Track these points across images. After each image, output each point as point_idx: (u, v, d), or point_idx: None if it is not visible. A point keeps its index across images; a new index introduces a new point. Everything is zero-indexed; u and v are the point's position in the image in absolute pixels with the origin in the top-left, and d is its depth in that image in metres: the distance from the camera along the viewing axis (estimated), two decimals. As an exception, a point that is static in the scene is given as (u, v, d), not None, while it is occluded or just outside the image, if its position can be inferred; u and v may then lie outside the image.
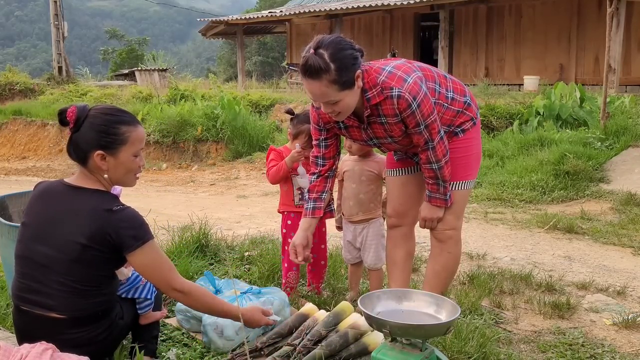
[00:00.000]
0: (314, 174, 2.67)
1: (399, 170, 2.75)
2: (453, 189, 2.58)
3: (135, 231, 2.00)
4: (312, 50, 2.20)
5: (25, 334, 2.01)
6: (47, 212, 2.05)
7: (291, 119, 3.11)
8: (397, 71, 2.32)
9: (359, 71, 2.26)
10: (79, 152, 2.06)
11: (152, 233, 2.08)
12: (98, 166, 2.05)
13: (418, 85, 2.31)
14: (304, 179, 3.01)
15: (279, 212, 3.19)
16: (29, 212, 2.10)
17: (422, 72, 2.43)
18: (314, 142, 2.65)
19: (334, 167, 2.68)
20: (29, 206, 2.11)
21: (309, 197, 2.65)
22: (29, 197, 2.17)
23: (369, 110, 2.38)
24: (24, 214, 2.13)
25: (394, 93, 2.28)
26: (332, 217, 2.92)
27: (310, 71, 2.19)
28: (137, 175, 2.16)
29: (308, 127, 2.86)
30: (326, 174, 2.65)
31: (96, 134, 2.03)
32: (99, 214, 1.98)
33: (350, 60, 2.22)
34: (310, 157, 2.69)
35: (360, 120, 2.44)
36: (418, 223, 2.71)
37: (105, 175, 2.07)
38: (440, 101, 2.47)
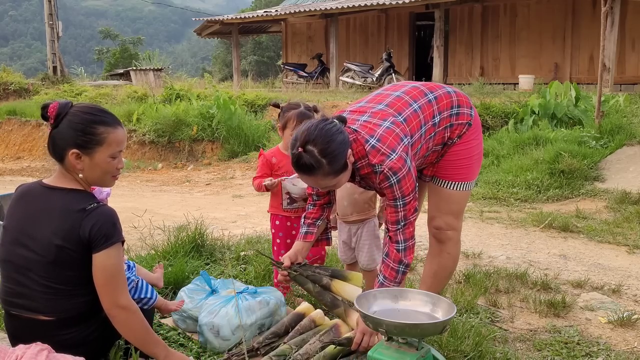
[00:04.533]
0: (310, 204, 2.62)
1: None
2: (455, 189, 2.58)
3: (106, 230, 1.96)
4: (300, 149, 2.13)
5: (18, 338, 1.99)
6: (25, 214, 2.03)
7: (278, 115, 3.13)
8: (382, 146, 2.23)
9: (349, 151, 2.21)
10: (56, 149, 2.03)
11: (123, 236, 2.04)
12: (73, 165, 2.01)
13: (402, 160, 2.23)
14: (291, 184, 2.98)
15: (268, 212, 3.23)
16: (9, 216, 2.08)
17: (409, 124, 2.35)
18: None
19: (330, 201, 2.63)
20: (9, 209, 2.09)
21: (303, 222, 2.60)
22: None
23: (358, 177, 2.38)
24: (5, 218, 2.10)
25: (376, 169, 2.24)
26: (328, 244, 2.80)
27: (303, 169, 2.17)
28: (116, 176, 2.12)
29: (294, 112, 2.94)
30: (323, 205, 2.61)
31: (73, 132, 1.99)
32: (71, 213, 1.96)
33: (340, 147, 2.15)
34: None
35: (353, 177, 2.41)
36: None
37: (80, 175, 2.03)
38: (430, 135, 2.44)
